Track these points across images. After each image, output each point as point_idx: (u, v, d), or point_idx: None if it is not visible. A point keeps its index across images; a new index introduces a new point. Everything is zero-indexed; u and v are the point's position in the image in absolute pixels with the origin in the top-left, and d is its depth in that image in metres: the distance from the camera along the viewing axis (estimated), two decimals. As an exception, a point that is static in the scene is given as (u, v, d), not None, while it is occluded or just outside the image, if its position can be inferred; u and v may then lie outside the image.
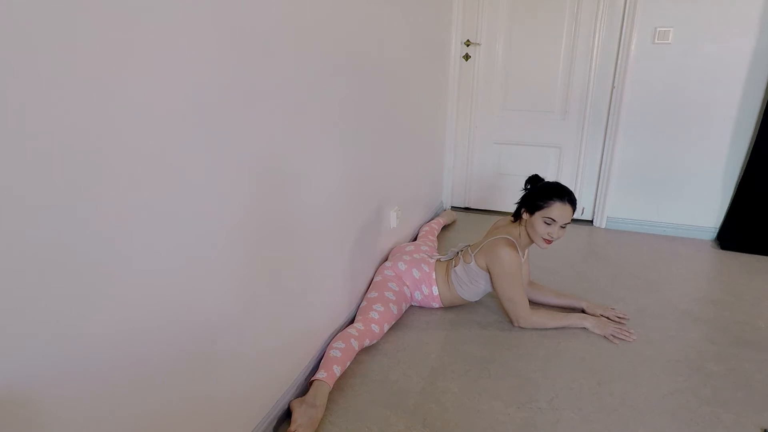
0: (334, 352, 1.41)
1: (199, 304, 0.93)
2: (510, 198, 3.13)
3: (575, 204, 1.65)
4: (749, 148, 2.52)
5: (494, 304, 1.95)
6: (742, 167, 2.56)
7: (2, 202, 0.56)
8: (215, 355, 1.00)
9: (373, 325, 1.57)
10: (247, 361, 1.12)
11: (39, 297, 0.62)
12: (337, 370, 1.38)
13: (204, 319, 0.95)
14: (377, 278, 1.85)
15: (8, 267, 0.58)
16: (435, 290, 1.84)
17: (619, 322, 1.79)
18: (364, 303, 1.71)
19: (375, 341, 1.58)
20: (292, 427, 1.21)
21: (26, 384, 0.62)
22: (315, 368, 1.46)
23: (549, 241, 1.66)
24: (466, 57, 2.96)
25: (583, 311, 1.87)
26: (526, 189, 1.75)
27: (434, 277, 1.84)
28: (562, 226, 1.63)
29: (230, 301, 1.03)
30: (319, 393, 1.30)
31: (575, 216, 3.00)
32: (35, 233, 0.60)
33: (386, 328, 1.63)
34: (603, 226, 2.94)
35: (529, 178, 1.77)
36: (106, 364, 0.73)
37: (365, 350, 1.60)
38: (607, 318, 1.81)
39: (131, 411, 0.79)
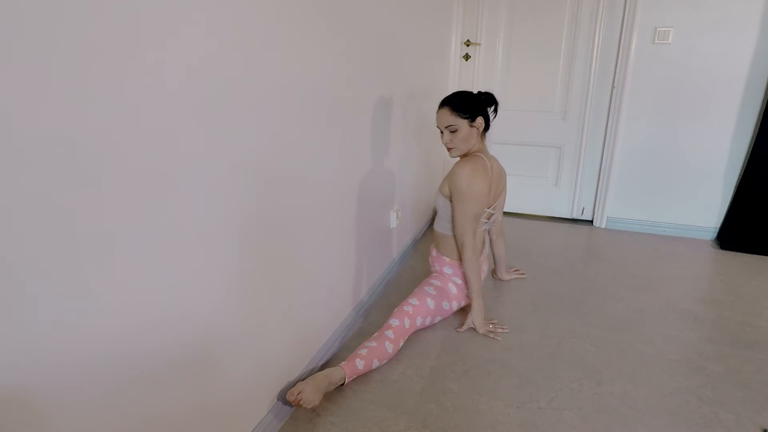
0: (362, 351, 1.46)
1: (200, 304, 0.93)
2: (510, 198, 3.13)
3: (455, 103, 1.66)
4: (749, 148, 2.52)
5: (494, 304, 1.95)
6: (742, 167, 2.56)
7: (2, 201, 0.56)
8: (215, 355, 1.00)
9: (400, 341, 1.58)
10: (247, 362, 1.12)
11: (39, 297, 0.62)
12: (360, 364, 1.42)
13: (204, 320, 0.95)
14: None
15: (8, 267, 0.58)
16: (434, 251, 1.88)
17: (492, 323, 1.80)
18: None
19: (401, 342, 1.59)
20: (296, 388, 1.25)
21: (26, 384, 0.62)
22: (315, 369, 1.46)
23: (449, 149, 1.71)
24: (466, 57, 2.97)
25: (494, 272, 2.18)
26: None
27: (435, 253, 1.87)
28: (451, 131, 1.66)
29: (231, 301, 1.03)
30: (331, 371, 1.35)
31: (577, 216, 3.01)
32: (35, 233, 0.60)
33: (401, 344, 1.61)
34: (603, 226, 2.94)
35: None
36: (106, 364, 0.73)
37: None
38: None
39: (131, 411, 0.79)
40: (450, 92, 1.75)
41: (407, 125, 2.19)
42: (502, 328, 1.75)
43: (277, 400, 1.28)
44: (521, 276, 2.21)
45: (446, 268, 1.81)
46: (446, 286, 1.77)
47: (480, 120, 1.68)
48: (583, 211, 3.02)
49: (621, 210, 2.89)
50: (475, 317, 1.72)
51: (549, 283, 2.14)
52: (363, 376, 1.46)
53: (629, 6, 2.54)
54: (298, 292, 1.33)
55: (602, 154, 2.84)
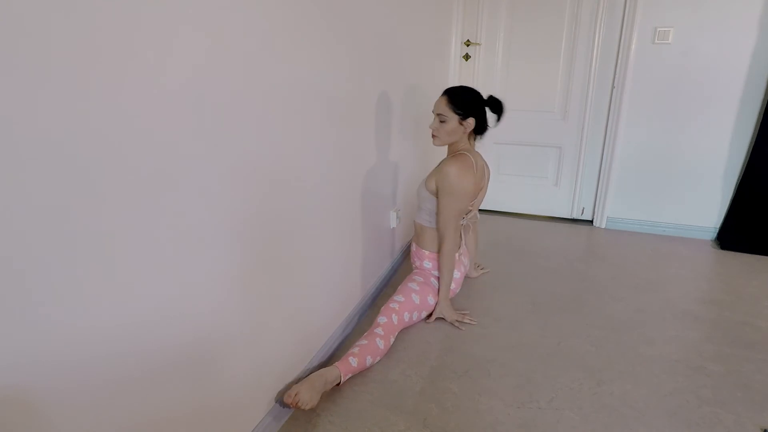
0: (354, 349, 1.46)
1: (200, 305, 0.93)
2: (510, 198, 3.13)
3: (453, 96, 1.67)
4: (749, 148, 2.52)
5: (494, 304, 1.95)
6: (742, 167, 2.56)
7: (2, 201, 0.56)
8: (215, 355, 1.00)
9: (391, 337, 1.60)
10: (247, 362, 1.12)
11: (39, 297, 0.62)
12: (354, 362, 1.41)
13: (204, 320, 0.95)
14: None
15: (8, 267, 0.58)
16: (414, 246, 1.90)
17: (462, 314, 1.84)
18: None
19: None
20: (293, 390, 1.25)
21: (26, 384, 0.62)
22: (314, 369, 1.46)
23: (434, 136, 1.72)
24: (466, 57, 2.96)
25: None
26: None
27: (414, 248, 1.90)
28: (441, 121, 1.68)
29: (231, 302, 1.03)
30: (326, 370, 1.34)
31: (577, 216, 3.01)
32: (35, 232, 0.60)
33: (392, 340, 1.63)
34: (603, 226, 2.94)
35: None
36: (106, 364, 0.73)
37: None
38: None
39: (131, 411, 0.79)
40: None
41: (407, 125, 2.19)
42: (470, 321, 1.79)
43: (276, 402, 1.28)
44: (485, 271, 2.25)
45: (426, 261, 1.84)
46: (428, 281, 1.80)
47: (471, 121, 1.69)
48: (583, 211, 3.02)
49: (621, 210, 2.89)
50: (443, 308, 1.78)
51: (549, 283, 2.14)
52: (362, 377, 1.46)
53: (629, 6, 2.54)
54: (298, 293, 1.33)
55: (602, 154, 2.84)
